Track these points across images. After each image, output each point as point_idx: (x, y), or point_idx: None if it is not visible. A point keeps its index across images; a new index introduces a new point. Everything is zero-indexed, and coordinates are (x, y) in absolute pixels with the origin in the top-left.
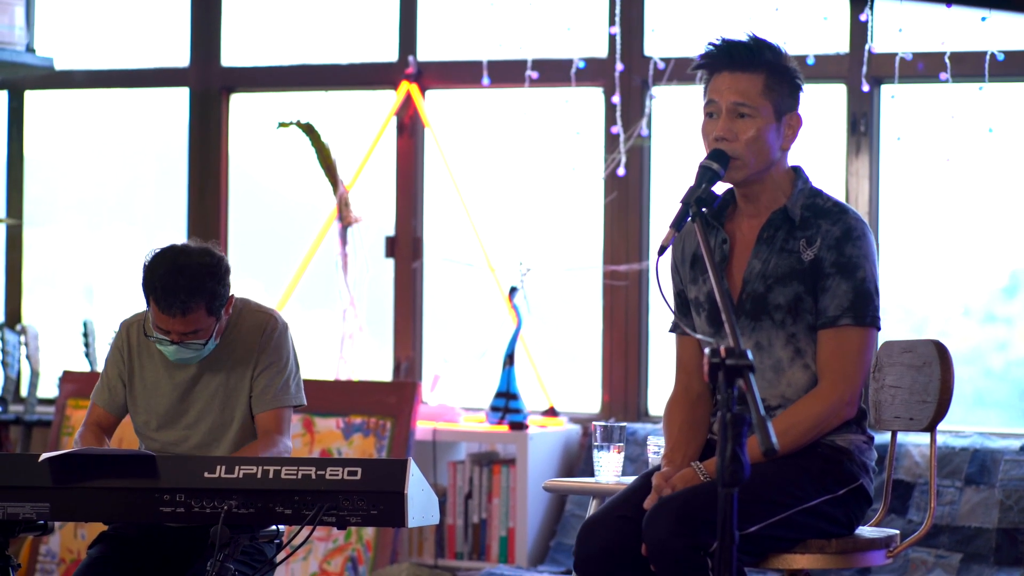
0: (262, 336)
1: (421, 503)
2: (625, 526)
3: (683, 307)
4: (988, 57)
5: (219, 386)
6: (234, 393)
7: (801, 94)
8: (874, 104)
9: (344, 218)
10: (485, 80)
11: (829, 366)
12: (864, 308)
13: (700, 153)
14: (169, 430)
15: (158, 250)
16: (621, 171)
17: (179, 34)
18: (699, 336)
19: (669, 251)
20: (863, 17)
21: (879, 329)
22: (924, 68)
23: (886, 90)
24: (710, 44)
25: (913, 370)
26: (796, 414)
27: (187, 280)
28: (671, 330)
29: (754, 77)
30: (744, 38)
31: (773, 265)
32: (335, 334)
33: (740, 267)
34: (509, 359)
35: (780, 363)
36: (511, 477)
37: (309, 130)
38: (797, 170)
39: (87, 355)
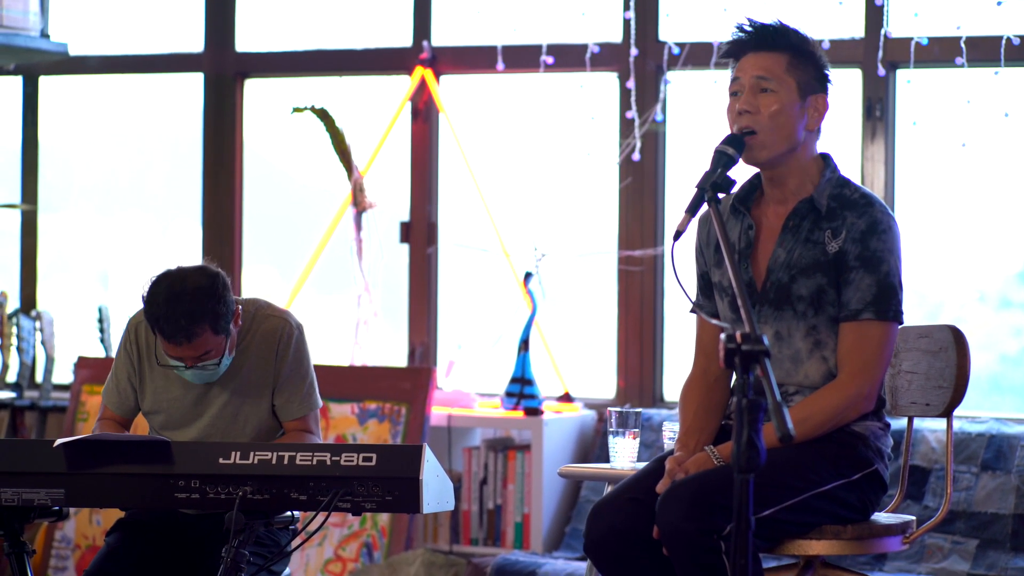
0: (279, 344)
1: (436, 489)
2: (636, 508)
3: (706, 289)
4: (1004, 42)
5: (234, 392)
6: (248, 399)
7: (829, 83)
8: (890, 89)
9: (359, 203)
10: (500, 65)
11: (849, 359)
12: (887, 303)
13: (716, 138)
14: (182, 433)
15: (153, 279)
16: (636, 156)
17: (194, 19)
18: (715, 322)
19: (692, 234)
20: (878, 1)
21: (901, 323)
22: (940, 52)
23: (902, 75)
24: (737, 26)
25: (929, 355)
26: (813, 404)
27: (187, 306)
28: (692, 310)
29: (778, 56)
30: (771, 21)
31: (797, 256)
32: (350, 319)
33: (765, 254)
34: (524, 344)
35: (799, 354)
36: (526, 463)
37: (324, 115)
38: (826, 158)
39: (102, 341)
